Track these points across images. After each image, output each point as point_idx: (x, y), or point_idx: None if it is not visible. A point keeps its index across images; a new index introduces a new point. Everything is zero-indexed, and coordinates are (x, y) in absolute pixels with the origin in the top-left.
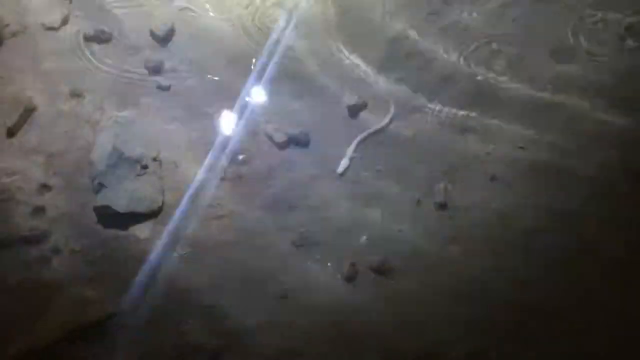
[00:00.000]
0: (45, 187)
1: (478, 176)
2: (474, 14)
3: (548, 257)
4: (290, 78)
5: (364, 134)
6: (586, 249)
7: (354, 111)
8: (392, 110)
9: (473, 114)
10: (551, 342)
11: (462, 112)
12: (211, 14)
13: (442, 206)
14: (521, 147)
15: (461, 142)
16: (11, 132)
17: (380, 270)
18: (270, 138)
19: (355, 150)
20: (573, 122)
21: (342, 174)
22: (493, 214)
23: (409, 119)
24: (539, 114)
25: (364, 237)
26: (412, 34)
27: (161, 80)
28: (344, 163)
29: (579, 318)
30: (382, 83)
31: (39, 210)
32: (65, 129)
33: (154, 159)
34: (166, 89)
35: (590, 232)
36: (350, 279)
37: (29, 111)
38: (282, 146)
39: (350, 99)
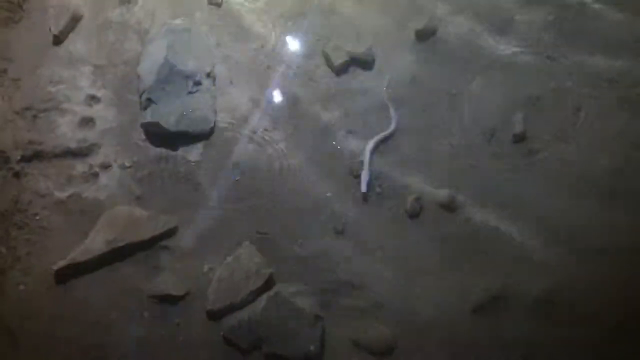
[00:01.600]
0: (93, 99)
1: (561, 107)
2: None
3: (636, 201)
4: None
5: (372, 143)
6: None
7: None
8: (396, 117)
9: (560, 41)
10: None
11: (547, 37)
12: None
13: (520, 138)
14: (610, 80)
15: (544, 70)
16: (57, 40)
17: (449, 207)
18: (329, 59)
19: (370, 162)
20: None
21: (367, 192)
22: (575, 150)
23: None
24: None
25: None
26: None
27: None
28: (364, 177)
29: None
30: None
31: (87, 122)
32: (112, 39)
33: (208, 75)
34: (218, 5)
35: None
36: (414, 214)
37: (75, 19)
38: (341, 69)
39: (419, 23)
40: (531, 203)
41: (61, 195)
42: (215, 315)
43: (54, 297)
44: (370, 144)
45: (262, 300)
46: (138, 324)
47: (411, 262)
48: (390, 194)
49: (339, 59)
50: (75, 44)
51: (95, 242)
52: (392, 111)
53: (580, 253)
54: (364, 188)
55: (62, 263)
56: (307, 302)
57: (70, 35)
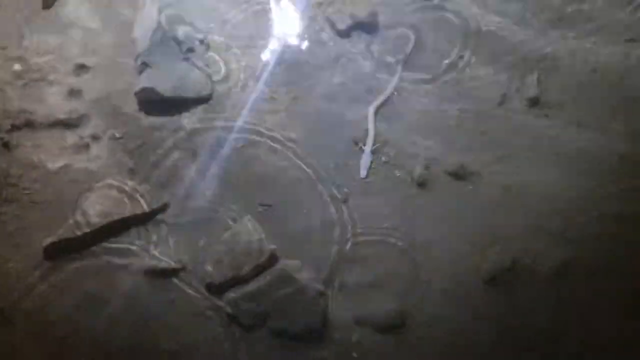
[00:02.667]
0: (82, 68)
1: (577, 67)
2: None
3: None
4: None
5: (373, 109)
6: None
7: None
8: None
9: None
10: None
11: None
12: None
13: (534, 102)
14: (631, 40)
15: (557, 31)
16: (47, 4)
17: (458, 175)
18: (332, 23)
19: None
20: None
21: (366, 177)
22: (591, 113)
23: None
24: None
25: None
26: None
27: None
28: (365, 162)
29: None
30: None
31: (74, 93)
32: (105, 1)
33: (202, 42)
34: None
35: None
36: (422, 183)
37: None
38: (344, 33)
39: None
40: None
41: (52, 166)
42: (216, 289)
43: (44, 275)
44: (371, 111)
45: (266, 276)
46: (133, 301)
47: (419, 233)
48: (397, 162)
49: (342, 23)
50: (66, 7)
51: (87, 217)
52: (396, 76)
53: (597, 220)
54: (363, 173)
55: (50, 239)
56: (310, 278)
57: None
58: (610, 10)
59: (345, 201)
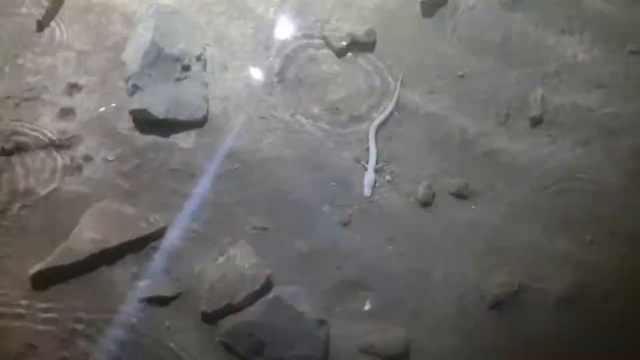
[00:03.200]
0: (74, 87)
1: (580, 85)
2: None
3: None
4: None
5: (374, 130)
6: None
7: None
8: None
9: (573, 11)
10: None
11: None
12: None
13: (537, 121)
14: (634, 52)
15: (561, 44)
16: (41, 26)
17: (462, 194)
18: (328, 41)
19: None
20: None
21: (370, 196)
22: (598, 129)
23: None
24: None
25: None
26: None
27: None
28: (368, 181)
29: None
30: None
31: (67, 112)
32: (97, 22)
33: (198, 59)
34: None
35: None
36: (426, 203)
37: (58, 3)
38: (342, 50)
39: None
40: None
41: (42, 191)
42: (210, 318)
43: (32, 305)
44: (372, 130)
45: (261, 304)
46: (127, 329)
47: (424, 255)
48: (400, 181)
49: (339, 42)
50: (59, 28)
51: (79, 243)
52: (395, 94)
53: (608, 241)
54: (367, 192)
55: (38, 267)
56: (310, 306)
57: (54, 20)
58: None
59: (347, 223)
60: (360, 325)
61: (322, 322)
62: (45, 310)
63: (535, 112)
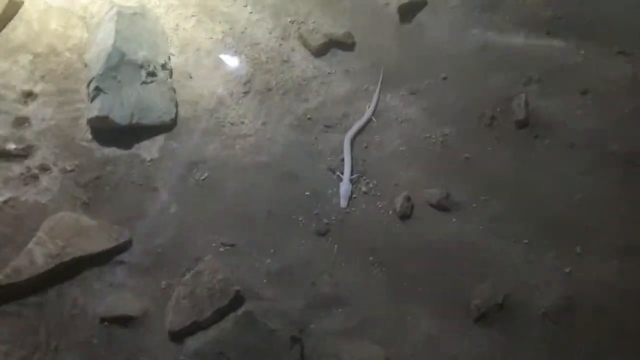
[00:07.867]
0: (29, 95)
1: (565, 89)
2: None
3: None
4: None
5: (349, 139)
6: None
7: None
8: (372, 104)
9: (560, 13)
10: None
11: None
12: None
13: (522, 124)
14: (621, 52)
15: (545, 47)
16: None
17: (442, 206)
18: (305, 41)
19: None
20: None
21: (347, 207)
22: (584, 136)
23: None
24: None
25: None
26: None
27: None
28: (344, 192)
29: None
30: None
31: (22, 122)
32: (55, 25)
33: (163, 66)
34: None
35: None
36: (404, 216)
37: (15, 5)
38: (319, 52)
39: None
40: (537, 197)
41: None
42: (176, 336)
43: None
44: (347, 141)
45: (230, 320)
46: (88, 352)
47: (404, 268)
48: (377, 192)
49: (317, 41)
50: (16, 32)
51: (35, 257)
52: (374, 99)
53: (600, 252)
54: (343, 204)
55: None
56: (282, 322)
57: (11, 22)
58: None
59: (324, 234)
60: (336, 343)
61: (295, 340)
62: None
63: (519, 116)
